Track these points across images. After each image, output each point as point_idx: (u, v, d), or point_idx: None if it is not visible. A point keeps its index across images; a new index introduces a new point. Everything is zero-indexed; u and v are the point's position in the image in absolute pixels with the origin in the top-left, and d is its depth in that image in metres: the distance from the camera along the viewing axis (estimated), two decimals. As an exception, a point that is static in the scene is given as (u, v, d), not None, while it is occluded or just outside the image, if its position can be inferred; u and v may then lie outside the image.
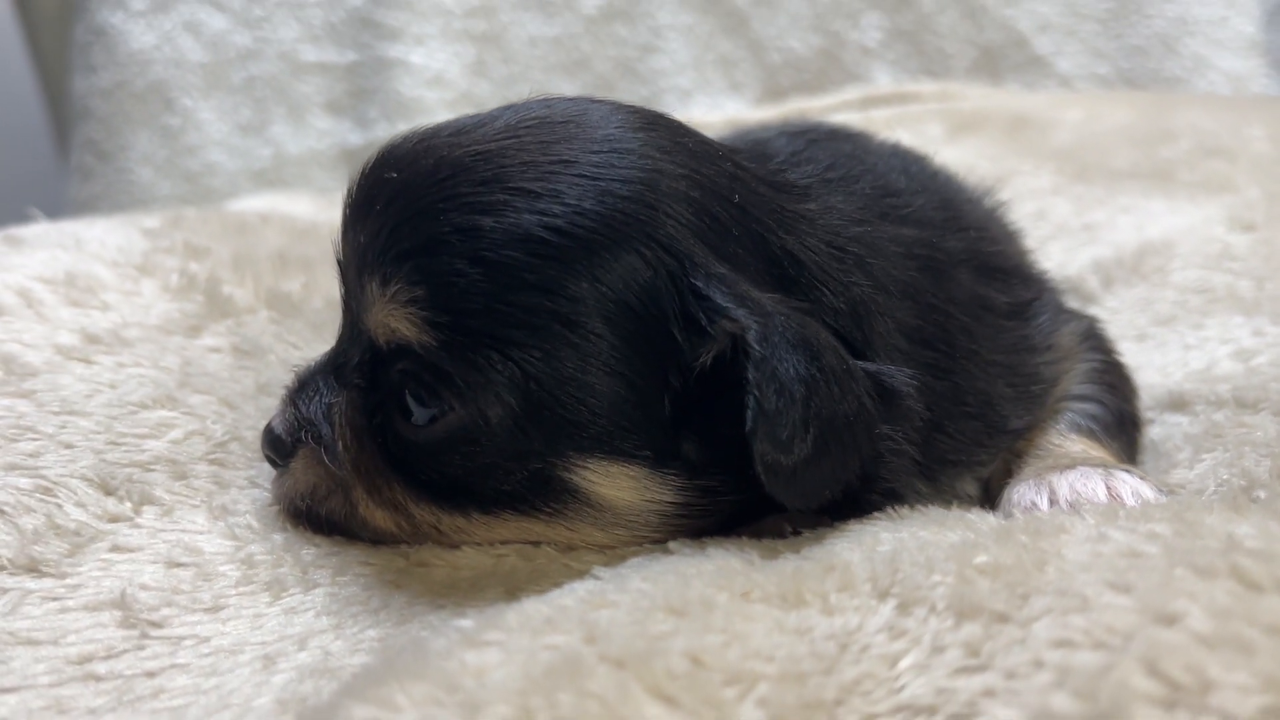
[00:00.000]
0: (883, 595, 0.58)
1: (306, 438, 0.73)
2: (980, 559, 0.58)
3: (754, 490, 0.68)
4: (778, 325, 0.64)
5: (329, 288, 1.11)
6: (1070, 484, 0.73)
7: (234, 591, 0.67)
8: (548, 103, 0.75)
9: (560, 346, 0.66)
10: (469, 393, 0.66)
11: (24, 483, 0.73)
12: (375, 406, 0.72)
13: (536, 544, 0.72)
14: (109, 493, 0.75)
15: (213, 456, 0.82)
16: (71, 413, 0.81)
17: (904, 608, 0.56)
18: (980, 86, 2.08)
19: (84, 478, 0.75)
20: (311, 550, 0.71)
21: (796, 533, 0.71)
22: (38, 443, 0.77)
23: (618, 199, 0.67)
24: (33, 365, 0.86)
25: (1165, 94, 1.96)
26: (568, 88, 2.22)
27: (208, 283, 1.03)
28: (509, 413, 0.66)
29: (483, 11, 2.21)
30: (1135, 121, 1.65)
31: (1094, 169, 1.54)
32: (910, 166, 0.92)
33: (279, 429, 0.75)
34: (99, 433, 0.80)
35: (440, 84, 2.20)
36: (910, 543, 0.63)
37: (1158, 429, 0.89)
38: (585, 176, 0.68)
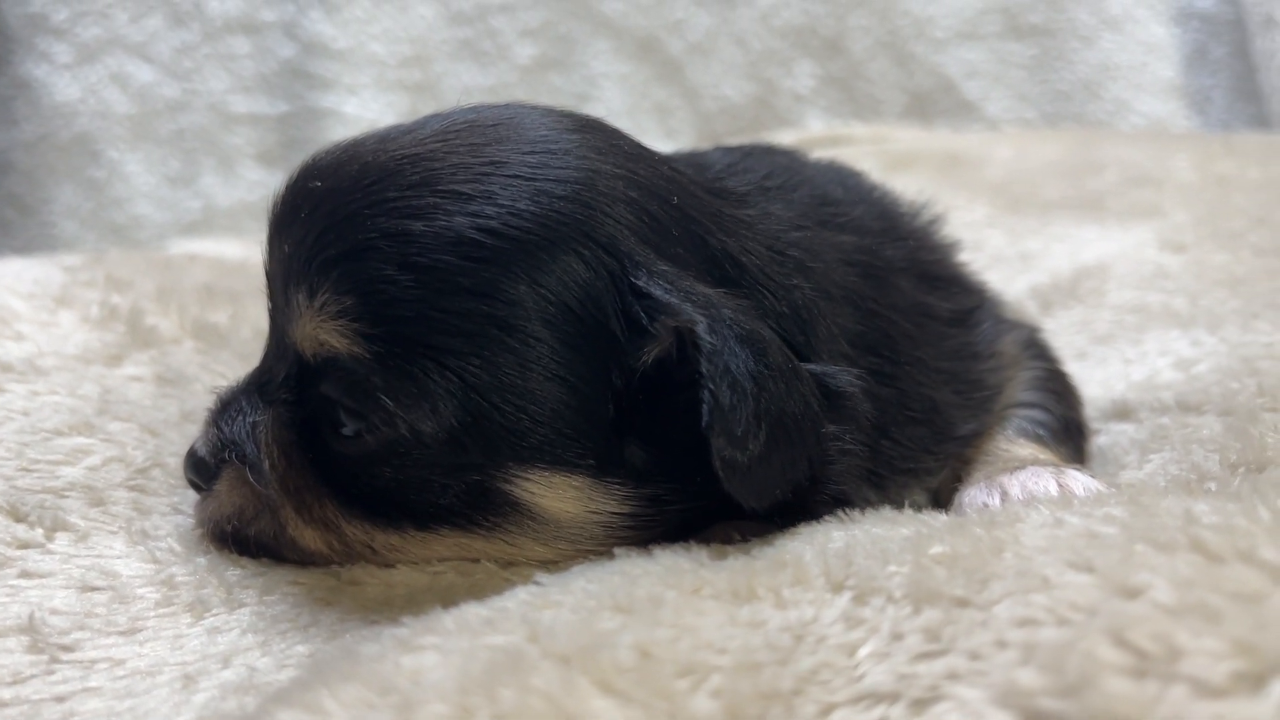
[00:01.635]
0: (837, 588, 0.55)
1: (231, 457, 0.70)
2: (936, 549, 0.57)
3: (701, 497, 0.67)
4: (725, 319, 0.63)
5: (258, 319, 1.08)
6: (1021, 483, 0.72)
7: (153, 614, 0.63)
8: (476, 109, 0.73)
9: (498, 352, 0.63)
10: (404, 404, 0.64)
11: (-75, 509, 0.69)
12: (303, 422, 0.69)
13: (475, 560, 0.69)
14: (18, 519, 0.71)
15: (133, 483, 0.78)
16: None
17: (860, 598, 0.54)
18: (911, 129, 2.11)
19: (-12, 502, 0.71)
20: (237, 571, 0.67)
21: (745, 539, 0.68)
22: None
23: (553, 199, 0.66)
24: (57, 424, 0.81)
25: (1091, 130, 2.01)
26: (503, 136, 2.21)
27: (130, 314, 1.00)
28: (445, 423, 0.64)
29: (416, 61, 2.21)
30: (1063, 156, 1.68)
31: (1026, 201, 1.56)
32: (846, 179, 0.92)
33: (201, 451, 0.71)
34: (9, 459, 0.76)
35: (374, 134, 2.18)
36: (863, 538, 0.61)
37: (1104, 438, 0.89)
38: (519, 177, 0.66)
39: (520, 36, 2.22)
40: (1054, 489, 0.70)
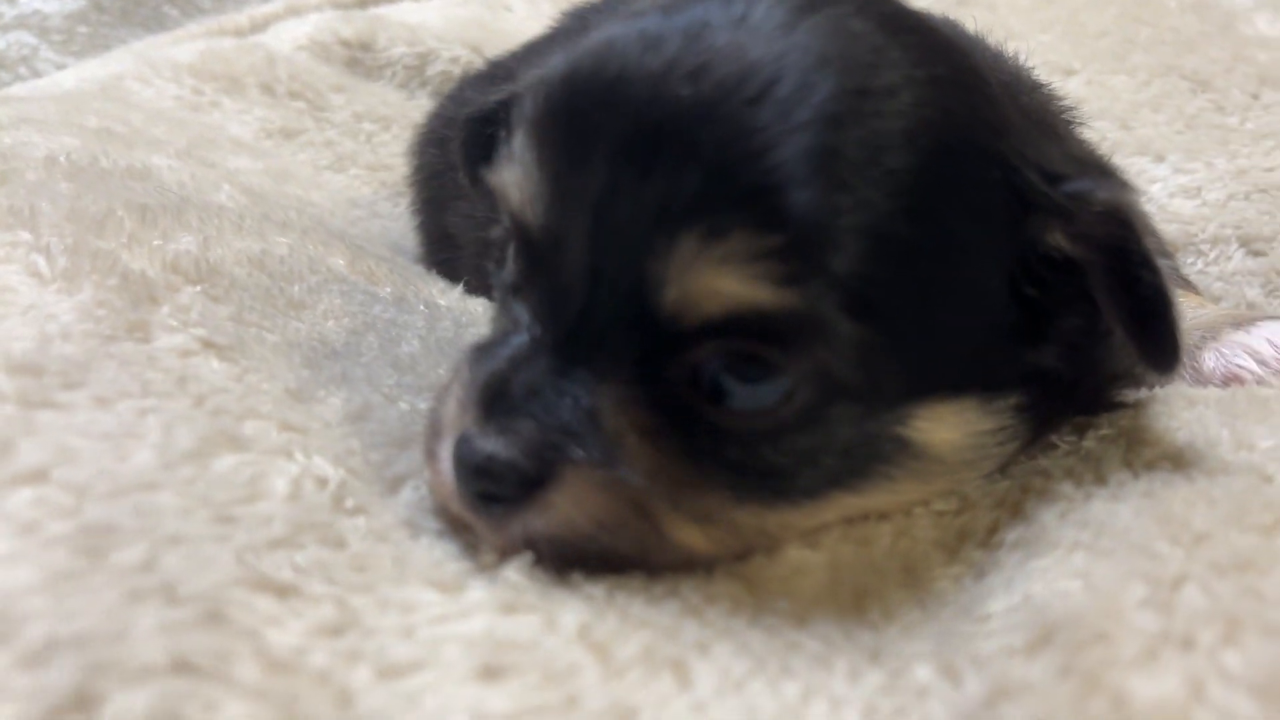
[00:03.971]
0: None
1: (570, 455, 0.54)
2: None
3: (1053, 397, 0.62)
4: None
5: (221, 240, 0.83)
6: (1266, 339, 0.74)
7: (627, 689, 0.48)
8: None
9: (924, 280, 0.55)
10: (836, 358, 0.53)
11: (181, 614, 0.46)
12: (669, 398, 0.55)
13: (851, 520, 0.60)
14: (284, 593, 0.50)
15: (348, 504, 0.58)
16: (124, 490, 0.53)
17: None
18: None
19: (240, 582, 0.50)
20: (638, 600, 0.53)
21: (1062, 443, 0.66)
22: (136, 547, 0.49)
23: (948, 91, 0.57)
24: (-9, 428, 0.55)
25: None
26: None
27: (97, 258, 0.72)
28: (871, 373, 0.54)
29: None
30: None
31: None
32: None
33: (508, 454, 0.54)
34: (194, 508, 0.53)
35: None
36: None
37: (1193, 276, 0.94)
38: (903, 66, 0.56)
39: None
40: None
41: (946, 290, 0.56)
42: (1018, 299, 0.58)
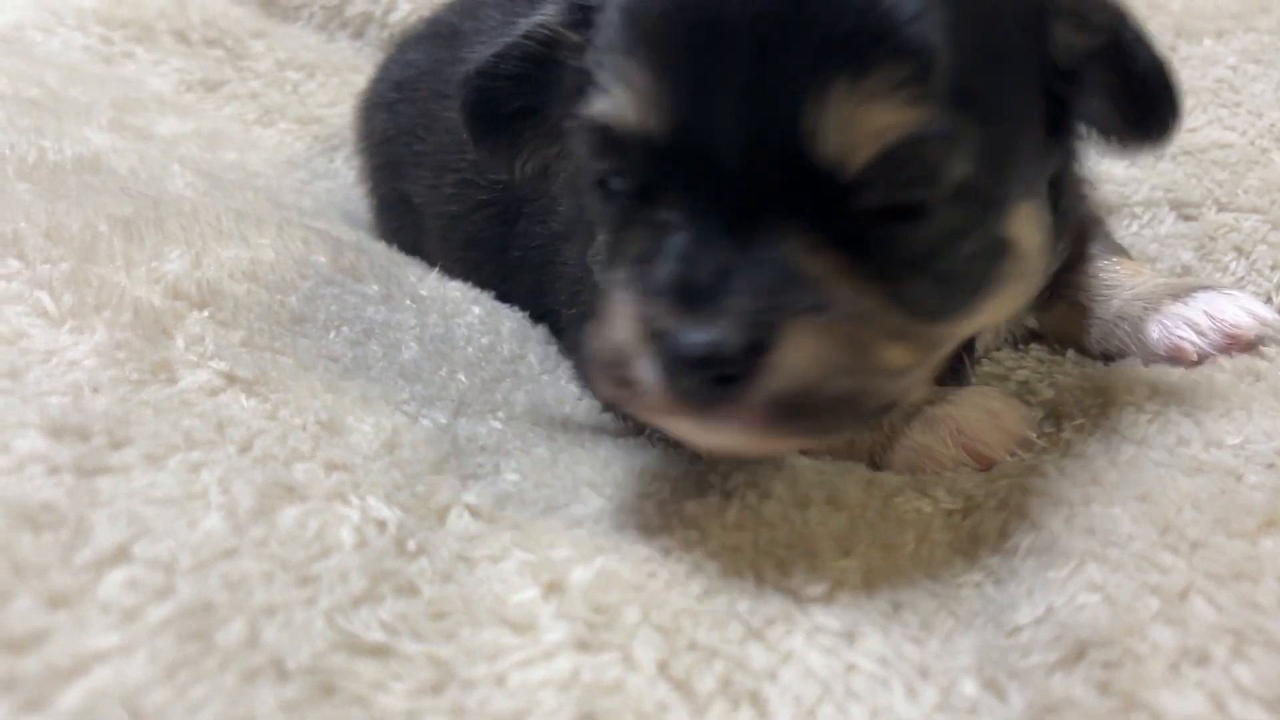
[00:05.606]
0: None
1: (785, 311, 0.57)
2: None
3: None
4: None
5: (208, 251, 0.82)
6: (1204, 312, 0.81)
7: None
8: None
9: (1004, 85, 0.64)
10: (983, 169, 0.61)
11: (295, 691, 0.49)
12: (844, 240, 0.60)
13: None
14: (379, 654, 0.53)
15: (409, 546, 0.61)
16: (207, 561, 0.54)
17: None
18: None
19: (337, 647, 0.52)
20: (703, 626, 0.58)
21: None
22: (236, 623, 0.51)
23: None
24: (60, 507, 0.55)
25: None
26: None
27: (101, 291, 0.71)
28: (995, 178, 0.63)
29: None
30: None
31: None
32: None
33: (727, 334, 0.56)
34: (275, 572, 0.55)
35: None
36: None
37: (1127, 240, 1.00)
38: None
39: None
40: (1238, 316, 0.80)
41: (1015, 90, 0.65)
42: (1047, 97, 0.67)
